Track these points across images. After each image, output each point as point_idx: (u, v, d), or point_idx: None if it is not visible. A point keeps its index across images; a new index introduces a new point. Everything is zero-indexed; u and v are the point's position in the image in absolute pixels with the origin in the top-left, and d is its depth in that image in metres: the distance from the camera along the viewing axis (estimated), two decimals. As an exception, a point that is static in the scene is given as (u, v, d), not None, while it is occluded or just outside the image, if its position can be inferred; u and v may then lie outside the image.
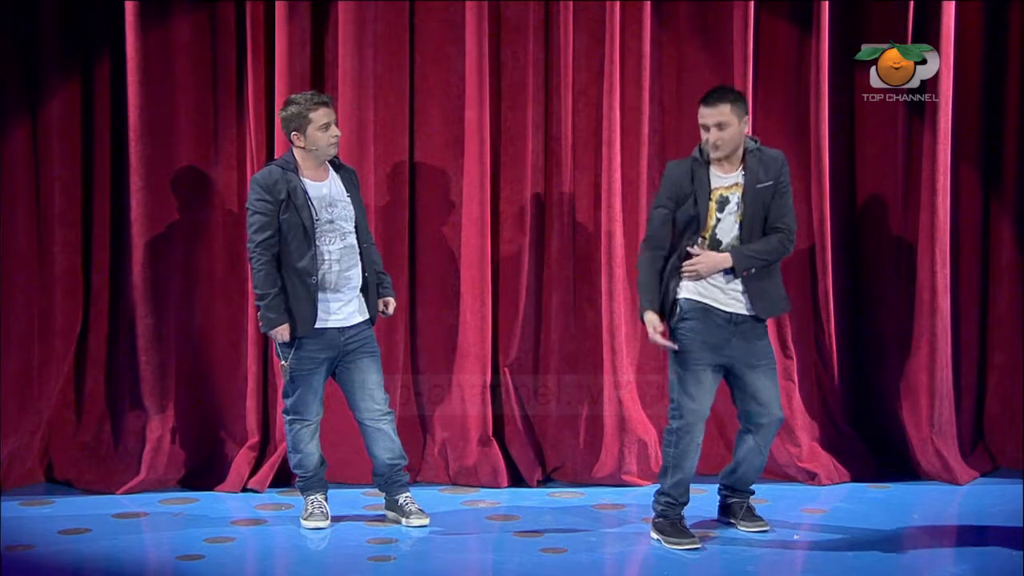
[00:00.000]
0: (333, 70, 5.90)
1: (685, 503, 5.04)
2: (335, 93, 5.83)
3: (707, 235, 4.90)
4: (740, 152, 4.91)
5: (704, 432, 4.99)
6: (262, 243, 4.99)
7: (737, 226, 4.89)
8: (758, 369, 4.94)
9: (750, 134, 5.11)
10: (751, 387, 4.95)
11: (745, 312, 4.91)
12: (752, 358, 4.93)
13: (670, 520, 4.99)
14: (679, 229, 4.96)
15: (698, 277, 4.88)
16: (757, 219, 4.89)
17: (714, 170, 4.91)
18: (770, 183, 4.89)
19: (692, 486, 5.07)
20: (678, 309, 4.90)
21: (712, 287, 4.90)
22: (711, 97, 4.85)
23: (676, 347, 4.89)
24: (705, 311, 4.88)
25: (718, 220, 4.90)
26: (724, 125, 4.81)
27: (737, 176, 4.91)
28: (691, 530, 5.00)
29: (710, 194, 4.88)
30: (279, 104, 5.71)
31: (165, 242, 5.88)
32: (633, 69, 5.92)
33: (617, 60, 5.86)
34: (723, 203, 4.90)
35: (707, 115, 4.83)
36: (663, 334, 4.95)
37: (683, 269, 4.90)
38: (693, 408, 4.90)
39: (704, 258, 4.87)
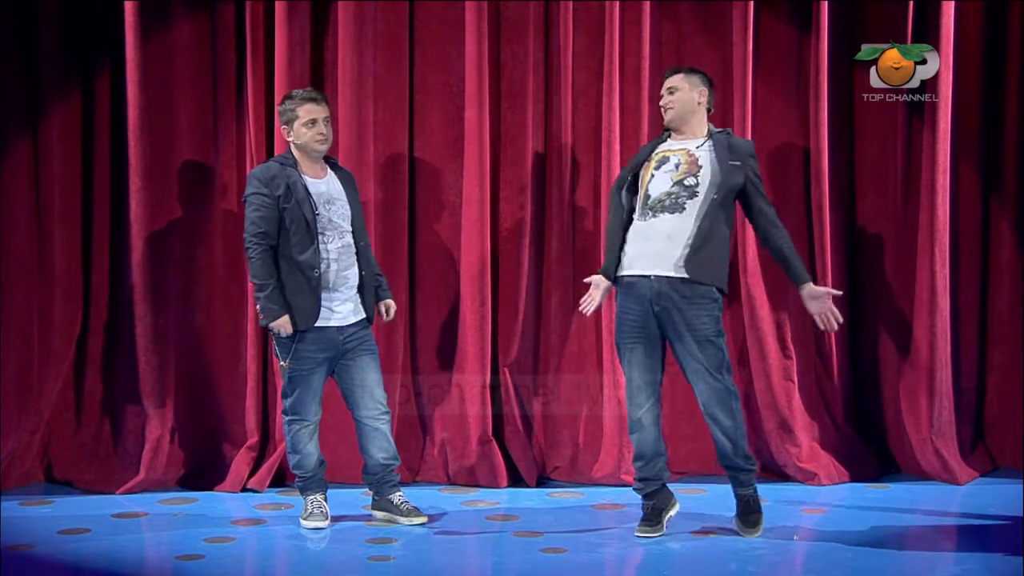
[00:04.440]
0: (333, 70, 5.90)
1: (641, 479, 5.04)
2: (335, 93, 5.84)
3: (641, 191, 4.97)
4: (699, 128, 4.99)
5: (653, 409, 4.95)
6: (257, 235, 4.98)
7: (671, 184, 4.90)
8: (683, 341, 4.89)
9: (735, 127, 5.28)
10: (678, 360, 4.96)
11: (673, 274, 4.87)
12: (679, 328, 4.88)
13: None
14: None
15: (832, 323, 4.97)
16: (722, 193, 4.84)
17: (670, 140, 5.04)
18: (739, 163, 4.91)
19: (689, 485, 5.25)
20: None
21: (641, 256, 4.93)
22: (668, 70, 5.13)
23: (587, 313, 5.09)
24: (629, 284, 4.95)
25: (652, 176, 4.96)
26: (674, 90, 5.01)
27: (690, 144, 4.97)
28: (663, 523, 5.02)
29: (652, 154, 5.01)
30: (279, 104, 5.72)
31: (165, 242, 5.88)
32: (633, 69, 5.92)
33: (617, 60, 5.86)
34: (662, 162, 4.97)
35: (664, 85, 5.07)
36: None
37: (824, 328, 5.02)
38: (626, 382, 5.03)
39: (821, 300, 4.98)
